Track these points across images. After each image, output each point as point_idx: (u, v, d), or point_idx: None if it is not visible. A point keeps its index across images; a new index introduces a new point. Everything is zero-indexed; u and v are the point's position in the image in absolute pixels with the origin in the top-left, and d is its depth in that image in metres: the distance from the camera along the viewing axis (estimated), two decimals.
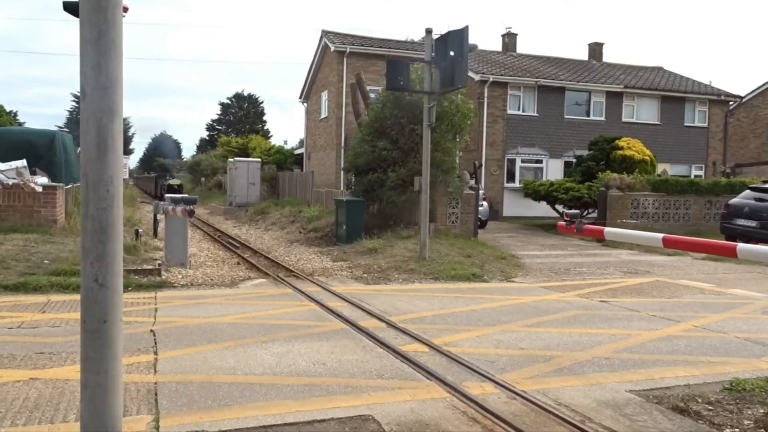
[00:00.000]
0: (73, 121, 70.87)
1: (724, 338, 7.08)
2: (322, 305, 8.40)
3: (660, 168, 23.84)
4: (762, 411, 4.74)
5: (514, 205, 25.36)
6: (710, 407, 4.83)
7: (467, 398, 4.84)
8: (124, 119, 2.50)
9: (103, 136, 2.09)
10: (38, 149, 15.86)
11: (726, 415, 4.69)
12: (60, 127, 62.81)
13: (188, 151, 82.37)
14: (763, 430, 4.40)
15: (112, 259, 2.14)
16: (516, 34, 31.52)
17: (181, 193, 26.64)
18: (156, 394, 4.80)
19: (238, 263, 12.77)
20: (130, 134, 79.66)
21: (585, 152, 22.74)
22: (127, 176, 38.07)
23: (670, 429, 4.40)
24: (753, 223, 15.15)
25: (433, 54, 11.89)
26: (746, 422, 4.55)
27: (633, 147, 20.91)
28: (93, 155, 2.10)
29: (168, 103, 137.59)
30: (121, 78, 2.11)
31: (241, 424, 4.26)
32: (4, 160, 14.74)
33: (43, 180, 14.63)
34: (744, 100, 31.67)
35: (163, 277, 10.04)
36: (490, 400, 4.85)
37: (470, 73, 21.40)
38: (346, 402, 4.76)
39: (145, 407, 4.55)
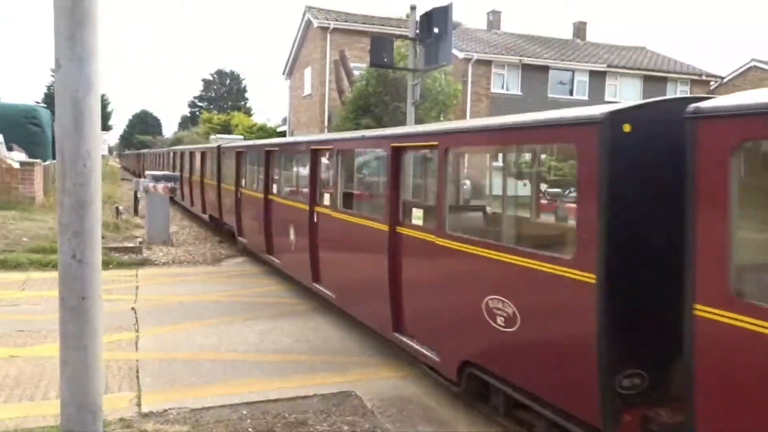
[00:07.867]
0: (51, 96, 69.41)
1: None
2: (305, 283, 8.38)
3: None
4: None
5: None
6: None
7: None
8: (102, 95, 2.43)
9: (80, 109, 2.04)
10: (15, 124, 15.54)
11: None
12: (37, 102, 61.38)
13: (169, 129, 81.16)
14: None
15: (90, 234, 2.10)
16: (500, 12, 31.36)
17: None
18: (137, 372, 4.78)
19: (221, 241, 12.69)
20: (108, 110, 78.26)
21: None
22: (106, 153, 35.03)
23: None
24: None
25: (418, 31, 11.79)
26: None
27: None
28: (69, 129, 2.05)
29: (147, 79, 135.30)
30: (97, 49, 2.05)
31: (225, 401, 4.27)
32: None
33: (20, 156, 14.35)
34: (725, 80, 31.82)
35: (145, 254, 9.95)
36: None
37: (454, 51, 21.19)
38: (330, 379, 4.78)
39: (126, 384, 4.53)
